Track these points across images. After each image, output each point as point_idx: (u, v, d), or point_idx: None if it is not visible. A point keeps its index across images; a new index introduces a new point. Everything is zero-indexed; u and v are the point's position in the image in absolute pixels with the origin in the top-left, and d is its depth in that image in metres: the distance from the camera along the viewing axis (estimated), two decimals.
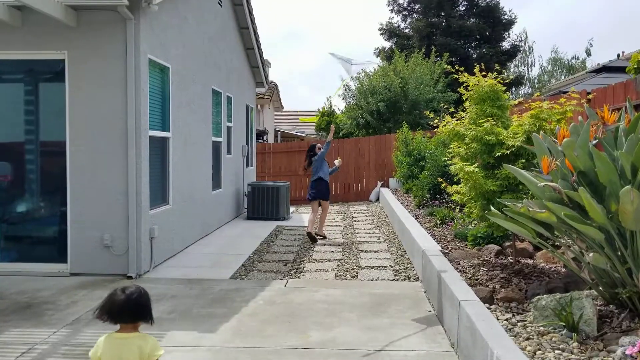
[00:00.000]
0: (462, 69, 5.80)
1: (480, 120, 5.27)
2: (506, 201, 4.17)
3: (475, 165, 4.97)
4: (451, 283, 4.79)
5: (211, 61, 9.97)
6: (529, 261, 5.73)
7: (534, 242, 3.96)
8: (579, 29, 58.91)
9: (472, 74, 5.63)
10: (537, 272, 5.20)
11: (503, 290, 4.65)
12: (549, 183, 3.62)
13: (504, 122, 5.34)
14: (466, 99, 5.71)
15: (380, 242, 9.09)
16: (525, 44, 39.40)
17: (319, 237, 9.40)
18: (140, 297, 2.59)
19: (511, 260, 5.58)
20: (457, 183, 6.35)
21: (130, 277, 6.59)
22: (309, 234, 9.15)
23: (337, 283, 6.47)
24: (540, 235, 4.15)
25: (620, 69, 12.54)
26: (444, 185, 6.55)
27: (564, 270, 5.31)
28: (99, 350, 2.55)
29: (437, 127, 6.06)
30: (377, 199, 15.79)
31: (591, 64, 37.23)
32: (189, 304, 5.60)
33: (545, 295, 3.83)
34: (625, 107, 4.06)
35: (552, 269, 5.34)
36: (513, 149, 4.95)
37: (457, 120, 5.70)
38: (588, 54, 39.98)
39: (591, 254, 3.43)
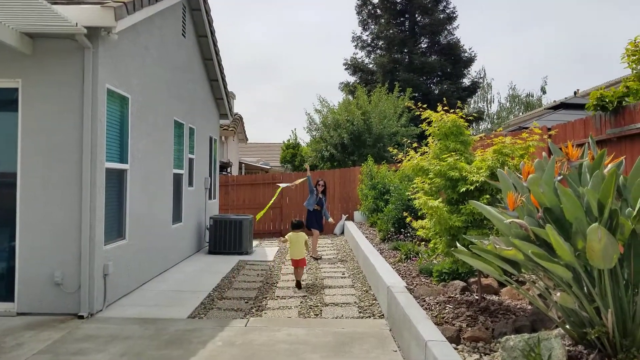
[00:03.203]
0: (424, 105, 5.81)
1: (444, 156, 5.23)
2: (472, 237, 4.09)
3: (440, 200, 4.91)
4: (417, 322, 4.65)
5: (174, 92, 9.80)
6: (495, 298, 5.65)
7: (500, 279, 3.87)
8: (533, 67, 61.14)
9: (434, 109, 5.65)
10: (503, 309, 5.11)
11: (470, 329, 4.54)
12: (515, 220, 3.56)
13: (467, 157, 5.32)
14: (429, 135, 5.68)
15: (345, 277, 8.93)
16: (484, 81, 40.61)
17: (315, 258, 10.97)
18: (300, 221, 8.52)
19: (477, 297, 5.49)
20: (422, 217, 6.28)
21: (81, 317, 6.23)
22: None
23: (300, 321, 6.25)
24: (506, 272, 4.08)
25: (578, 106, 12.91)
26: (409, 219, 6.47)
27: (529, 307, 5.25)
28: (287, 236, 8.28)
29: (401, 161, 6.03)
30: (342, 232, 15.67)
31: (547, 100, 38.55)
32: (142, 345, 5.29)
33: (513, 336, 3.73)
34: (588, 143, 4.07)
35: (518, 306, 5.27)
36: (477, 185, 4.92)
37: (421, 155, 5.66)
38: (543, 91, 41.41)
39: (559, 294, 3.36)
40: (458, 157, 5.12)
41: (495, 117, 41.47)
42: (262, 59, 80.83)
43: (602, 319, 3.43)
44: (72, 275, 6.37)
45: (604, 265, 3.25)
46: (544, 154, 4.09)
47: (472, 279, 6.13)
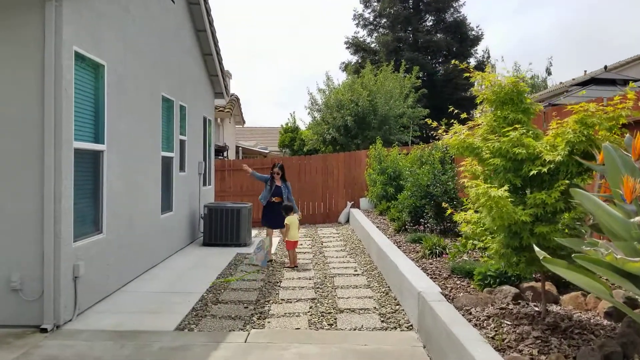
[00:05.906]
0: (470, 65, 4.63)
1: (505, 129, 4.06)
2: (563, 241, 2.95)
3: (505, 188, 3.73)
4: (472, 347, 3.53)
5: (161, 64, 8.59)
6: (557, 308, 4.52)
7: (611, 301, 2.74)
8: (535, 49, 59.74)
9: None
10: (576, 326, 3.98)
11: (544, 358, 3.42)
12: None
13: (533, 132, 4.15)
14: (481, 102, 4.50)
15: (358, 274, 7.79)
16: (488, 61, 39.32)
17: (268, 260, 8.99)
18: (289, 205, 9.00)
19: (538, 309, 4.36)
20: (453, 204, 5.13)
21: (44, 330, 5.10)
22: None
23: (311, 335, 5.12)
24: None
25: (609, 81, 11.76)
26: (449, 212, 5.31)
27: (606, 322, 4.14)
28: (286, 221, 8.65)
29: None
30: (347, 221, 14.53)
31: (552, 82, 37.24)
32: None
33: None
34: None
35: (592, 321, 4.15)
36: (551, 166, 3.75)
37: (469, 129, 4.48)
38: (549, 72, 40.05)
39: None
40: (524, 131, 3.95)
41: None
42: (260, 41, 79.05)
43: None
44: (33, 279, 5.22)
45: None
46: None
47: (524, 284, 4.98)
